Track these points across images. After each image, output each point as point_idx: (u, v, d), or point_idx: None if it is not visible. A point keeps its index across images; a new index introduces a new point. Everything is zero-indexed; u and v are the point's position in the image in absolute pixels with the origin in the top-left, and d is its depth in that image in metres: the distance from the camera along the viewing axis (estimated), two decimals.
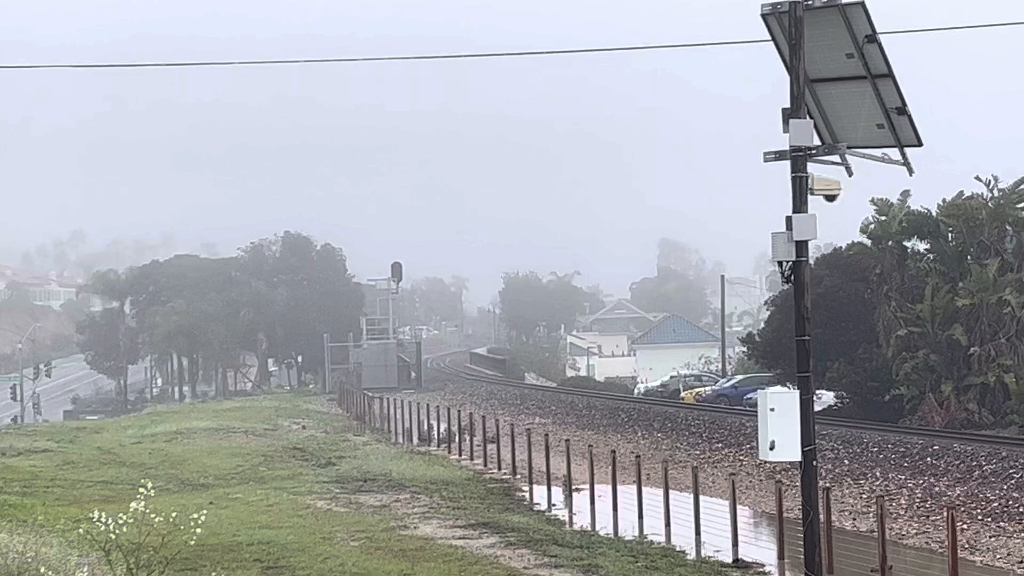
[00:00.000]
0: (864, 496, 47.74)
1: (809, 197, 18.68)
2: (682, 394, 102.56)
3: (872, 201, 75.12)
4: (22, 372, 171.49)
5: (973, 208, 71.45)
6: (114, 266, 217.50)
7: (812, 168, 18.76)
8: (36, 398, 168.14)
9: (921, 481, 49.53)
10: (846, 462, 55.29)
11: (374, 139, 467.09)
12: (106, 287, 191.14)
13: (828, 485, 38.56)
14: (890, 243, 74.84)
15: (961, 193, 72.75)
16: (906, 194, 74.87)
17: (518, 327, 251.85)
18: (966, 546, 36.86)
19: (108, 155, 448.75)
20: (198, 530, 22.53)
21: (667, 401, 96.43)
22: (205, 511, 24.16)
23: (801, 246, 18.64)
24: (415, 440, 70.32)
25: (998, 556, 36.76)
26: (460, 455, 61.44)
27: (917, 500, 46.44)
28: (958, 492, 46.54)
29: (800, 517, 19.18)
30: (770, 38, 19.19)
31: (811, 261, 19.36)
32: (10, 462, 54.16)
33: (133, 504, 21.39)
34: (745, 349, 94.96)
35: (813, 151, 18.79)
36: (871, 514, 40.68)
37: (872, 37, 18.40)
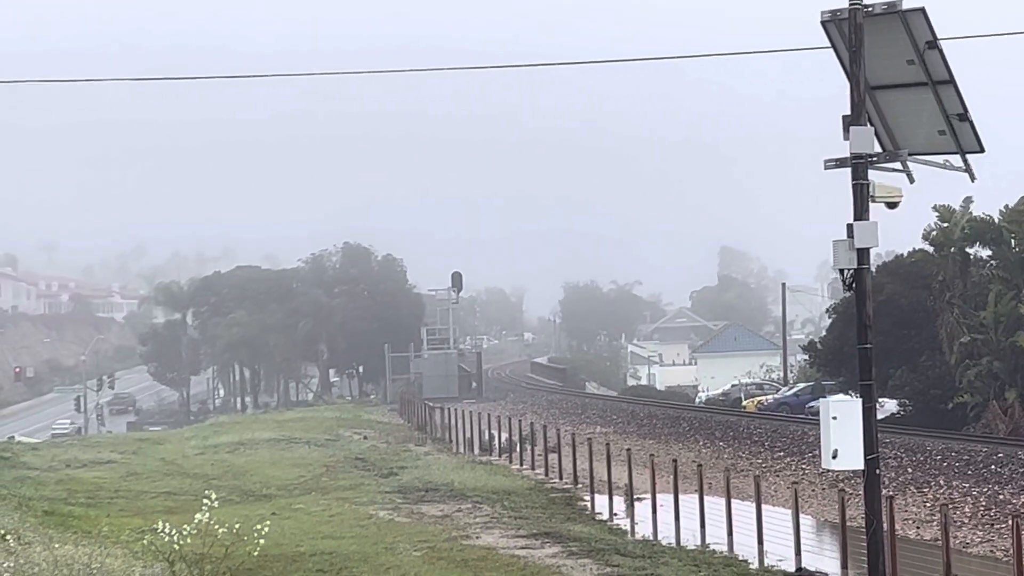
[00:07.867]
0: (928, 504, 47.43)
1: (871, 204, 18.57)
2: (743, 403, 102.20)
3: (934, 208, 74.56)
4: (86, 384, 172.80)
5: None
6: (176, 278, 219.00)
7: (873, 175, 18.65)
8: (100, 409, 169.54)
9: (985, 489, 49.17)
10: (909, 470, 54.93)
11: (431, 146, 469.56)
12: (168, 299, 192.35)
13: (891, 494, 38.31)
14: (952, 250, 74.29)
15: (1022, 199, 72.08)
16: (968, 201, 74.26)
17: (579, 336, 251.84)
18: None
19: (167, 167, 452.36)
20: (261, 541, 22.65)
21: (728, 410, 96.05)
22: (268, 522, 24.29)
23: (863, 254, 18.54)
24: (476, 450, 70.25)
25: None
26: (522, 465, 61.36)
27: (981, 508, 46.11)
28: (1023, 500, 46.19)
29: (863, 526, 19.07)
30: (830, 45, 19.10)
31: (873, 269, 19.24)
32: (75, 473, 54.58)
33: (197, 515, 21.53)
34: (807, 357, 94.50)
35: (874, 158, 18.67)
36: (935, 522, 40.42)
37: (933, 43, 18.27)
